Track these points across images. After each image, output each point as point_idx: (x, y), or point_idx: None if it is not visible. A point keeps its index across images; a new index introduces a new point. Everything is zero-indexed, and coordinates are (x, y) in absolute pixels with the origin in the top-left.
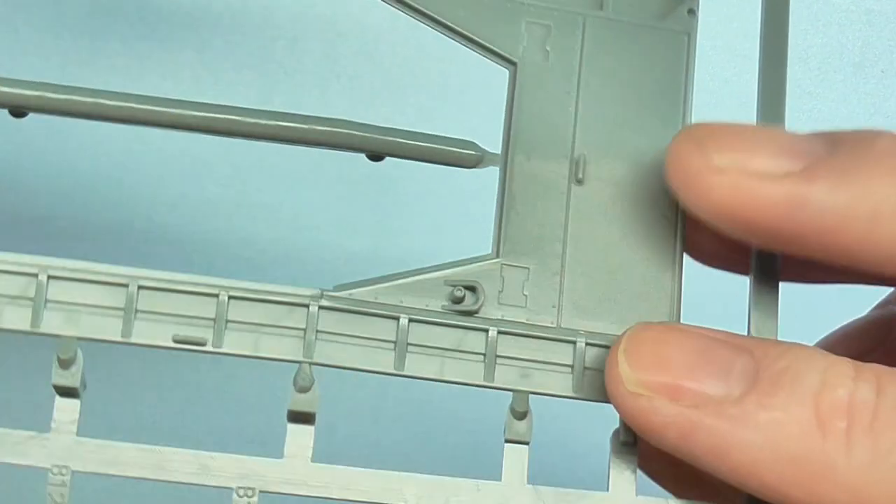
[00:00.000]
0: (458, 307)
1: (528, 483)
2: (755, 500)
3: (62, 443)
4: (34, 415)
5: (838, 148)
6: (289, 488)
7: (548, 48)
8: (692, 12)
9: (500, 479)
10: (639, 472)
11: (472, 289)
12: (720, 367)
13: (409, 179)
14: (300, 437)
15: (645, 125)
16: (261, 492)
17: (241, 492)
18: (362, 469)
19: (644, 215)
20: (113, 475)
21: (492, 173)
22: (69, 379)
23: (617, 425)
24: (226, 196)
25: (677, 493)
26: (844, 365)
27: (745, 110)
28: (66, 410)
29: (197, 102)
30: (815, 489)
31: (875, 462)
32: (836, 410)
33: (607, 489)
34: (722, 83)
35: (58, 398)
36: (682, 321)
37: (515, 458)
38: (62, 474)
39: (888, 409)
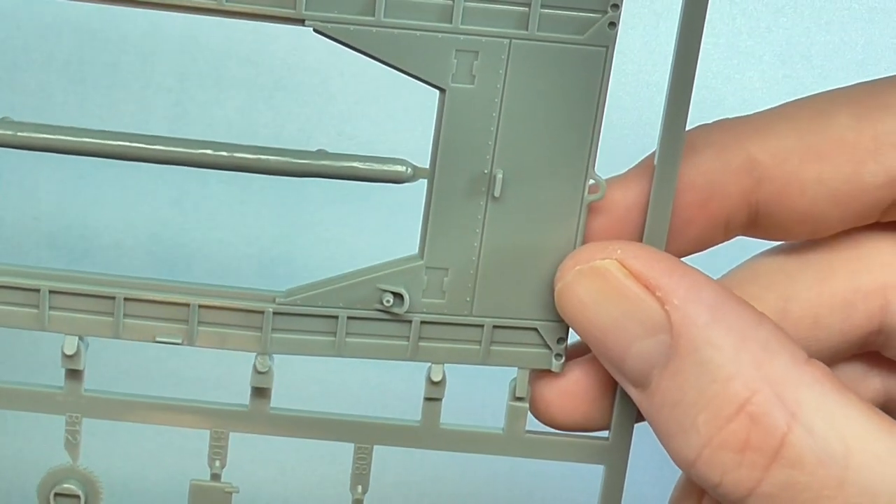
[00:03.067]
0: (387, 309)
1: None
2: None
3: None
4: None
5: None
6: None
7: (474, 73)
8: (613, 25)
9: None
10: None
11: (399, 296)
12: None
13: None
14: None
15: (560, 139)
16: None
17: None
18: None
19: (550, 226)
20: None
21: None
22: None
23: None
24: None
25: None
26: None
27: (747, 106)
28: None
29: (152, 136)
30: None
31: None
32: None
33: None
34: (724, 80)
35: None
36: None
37: (432, 411)
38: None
39: None
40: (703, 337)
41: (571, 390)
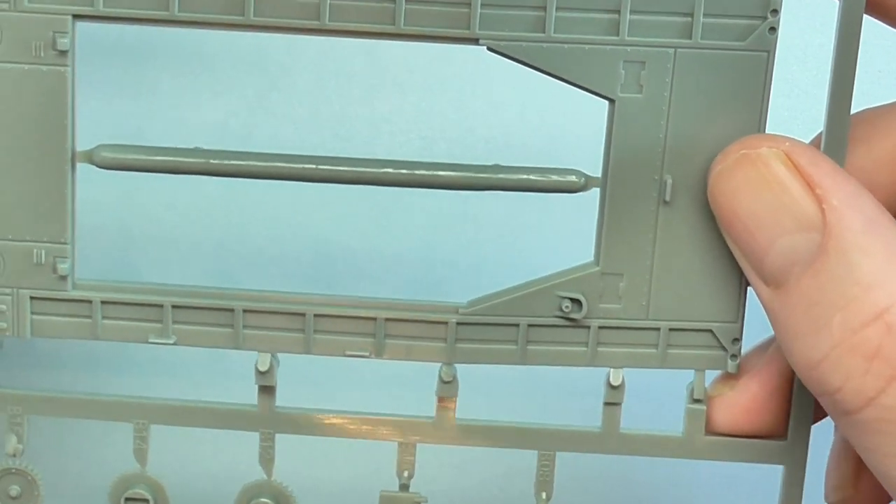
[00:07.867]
0: (566, 315)
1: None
2: None
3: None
4: None
5: None
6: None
7: (642, 83)
8: (773, 30)
9: None
10: None
11: (577, 302)
12: None
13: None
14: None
15: (725, 143)
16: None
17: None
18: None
19: (718, 230)
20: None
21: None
22: (268, 380)
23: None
24: None
25: None
26: None
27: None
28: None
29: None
30: None
31: None
32: None
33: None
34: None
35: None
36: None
37: (612, 416)
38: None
39: None
40: (854, 242)
41: (750, 407)
